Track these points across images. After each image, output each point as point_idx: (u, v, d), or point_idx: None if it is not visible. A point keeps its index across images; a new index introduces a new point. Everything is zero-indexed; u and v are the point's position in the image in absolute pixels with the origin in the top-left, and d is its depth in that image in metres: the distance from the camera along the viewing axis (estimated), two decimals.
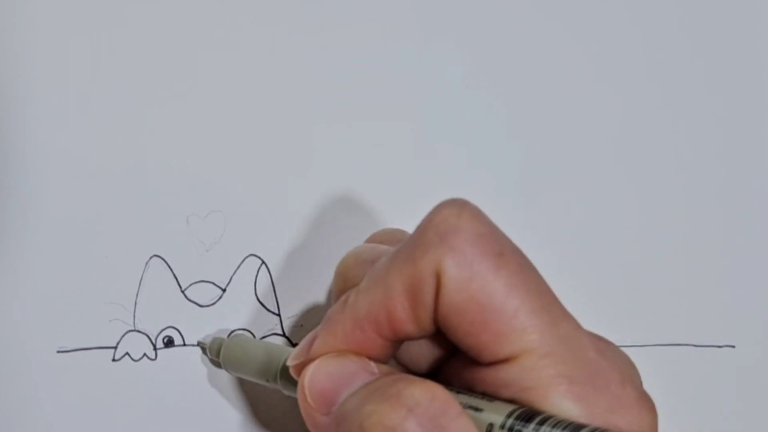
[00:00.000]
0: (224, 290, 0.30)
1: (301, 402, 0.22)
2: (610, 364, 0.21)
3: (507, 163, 0.32)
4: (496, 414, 0.20)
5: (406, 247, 0.21)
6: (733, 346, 0.33)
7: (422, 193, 0.31)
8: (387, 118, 0.32)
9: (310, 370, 0.22)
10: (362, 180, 0.31)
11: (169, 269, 0.30)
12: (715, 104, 0.34)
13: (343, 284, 0.24)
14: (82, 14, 0.30)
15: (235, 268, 0.30)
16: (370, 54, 0.32)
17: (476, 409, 0.20)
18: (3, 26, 0.30)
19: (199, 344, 0.30)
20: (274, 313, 0.30)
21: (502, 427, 0.19)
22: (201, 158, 0.30)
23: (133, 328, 0.29)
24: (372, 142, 0.31)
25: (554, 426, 0.19)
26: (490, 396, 0.21)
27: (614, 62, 0.33)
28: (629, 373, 0.21)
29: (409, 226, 0.31)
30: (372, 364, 0.22)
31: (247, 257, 0.30)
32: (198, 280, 0.30)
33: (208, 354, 0.29)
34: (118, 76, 0.30)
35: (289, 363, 0.24)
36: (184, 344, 0.30)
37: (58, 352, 0.29)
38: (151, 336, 0.29)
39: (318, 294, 0.30)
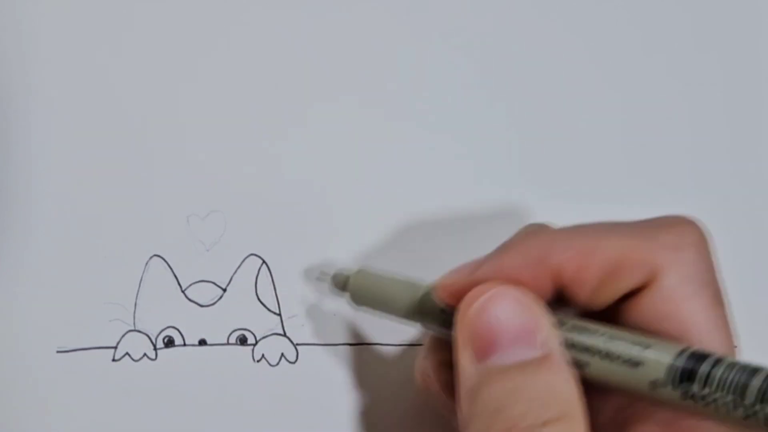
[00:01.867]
0: (224, 290, 0.30)
1: (456, 330, 0.21)
2: None
3: (507, 161, 0.32)
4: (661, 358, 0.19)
5: (639, 230, 0.21)
6: (734, 347, 0.33)
7: (424, 193, 0.31)
8: (388, 119, 0.31)
9: (479, 303, 0.21)
10: (362, 180, 0.31)
11: (169, 269, 0.30)
12: (722, 103, 0.33)
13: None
14: (83, 14, 0.30)
15: (236, 268, 0.30)
16: (370, 54, 0.32)
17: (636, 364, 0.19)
18: (3, 26, 0.30)
19: (320, 276, 0.28)
20: (274, 312, 0.30)
21: (672, 370, 0.19)
22: (201, 158, 0.30)
23: (133, 328, 0.29)
24: (372, 142, 0.31)
25: (729, 366, 0.18)
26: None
27: (616, 60, 0.33)
28: None
29: (412, 225, 0.31)
30: (543, 330, 0.20)
31: (247, 257, 0.30)
32: (198, 280, 0.30)
33: (334, 289, 0.27)
34: (119, 76, 0.30)
35: (444, 281, 0.22)
36: (184, 344, 0.30)
37: (58, 352, 0.29)
38: (151, 336, 0.29)
39: (318, 294, 0.30)
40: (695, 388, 0.18)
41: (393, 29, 0.32)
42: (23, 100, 0.30)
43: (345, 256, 0.31)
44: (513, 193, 0.32)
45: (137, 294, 0.29)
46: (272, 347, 0.30)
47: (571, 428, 0.19)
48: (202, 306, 0.30)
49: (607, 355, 0.20)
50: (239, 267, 0.30)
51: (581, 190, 0.33)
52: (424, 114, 0.32)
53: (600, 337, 0.20)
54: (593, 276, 0.21)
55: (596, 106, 0.33)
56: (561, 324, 0.21)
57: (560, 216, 0.32)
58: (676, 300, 0.20)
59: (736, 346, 0.21)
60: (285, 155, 0.31)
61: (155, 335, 0.29)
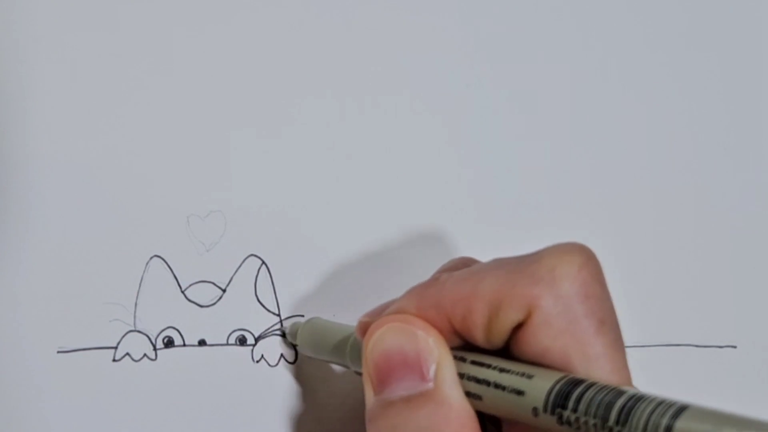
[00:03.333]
0: (224, 290, 0.30)
1: (363, 364, 0.22)
2: None
3: (507, 159, 0.32)
4: (540, 387, 0.20)
5: (514, 267, 0.21)
6: (735, 347, 0.33)
7: (424, 195, 0.31)
8: (388, 119, 0.31)
9: (375, 336, 0.22)
10: (362, 180, 0.31)
11: (169, 269, 0.30)
12: (724, 104, 0.33)
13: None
14: (83, 14, 0.30)
15: (235, 268, 0.30)
16: (372, 57, 0.32)
17: (519, 393, 0.20)
18: (3, 26, 0.30)
19: (282, 333, 0.30)
20: (274, 313, 0.30)
21: (548, 396, 0.19)
22: (201, 158, 0.30)
23: (133, 329, 0.29)
24: (372, 142, 0.31)
25: (599, 391, 0.19)
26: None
27: (618, 61, 0.33)
28: None
29: (411, 226, 0.31)
30: (433, 361, 0.21)
31: (247, 257, 0.30)
32: (198, 280, 0.30)
33: (290, 339, 0.29)
34: (119, 76, 0.30)
35: (360, 319, 0.24)
36: (184, 344, 0.30)
37: (58, 352, 0.29)
38: (151, 336, 0.29)
39: (318, 294, 0.30)
40: (567, 413, 0.19)
41: (393, 30, 0.32)
42: (23, 100, 0.30)
43: (345, 256, 0.31)
44: (513, 188, 0.32)
45: (137, 294, 0.29)
46: (272, 348, 0.30)
47: None
48: (201, 306, 0.30)
49: (498, 386, 0.21)
50: (239, 267, 0.30)
51: (584, 191, 0.32)
52: (424, 116, 0.32)
53: (493, 371, 0.21)
54: (479, 319, 0.21)
55: (601, 106, 0.33)
56: (462, 360, 0.22)
57: (561, 216, 0.32)
58: (551, 333, 0.20)
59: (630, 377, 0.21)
60: (285, 155, 0.31)
61: (155, 335, 0.29)
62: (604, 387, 0.19)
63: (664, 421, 0.17)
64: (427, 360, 0.21)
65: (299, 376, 0.30)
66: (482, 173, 0.32)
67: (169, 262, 0.30)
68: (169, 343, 0.30)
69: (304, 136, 0.31)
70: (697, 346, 0.33)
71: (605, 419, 0.18)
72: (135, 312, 0.29)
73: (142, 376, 0.29)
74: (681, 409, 0.17)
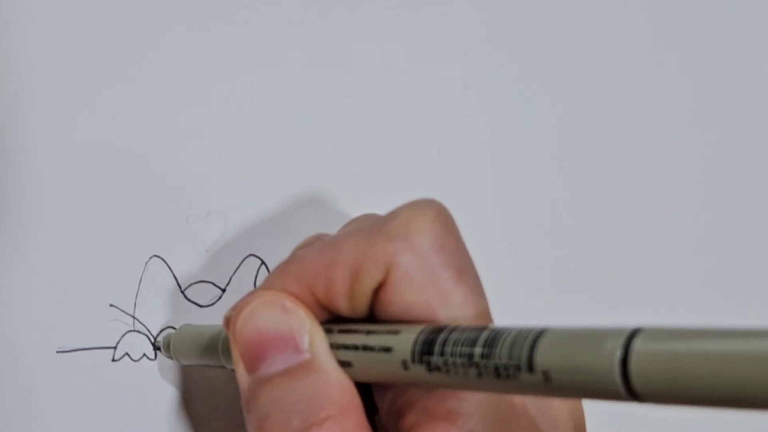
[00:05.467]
0: (224, 290, 0.30)
1: (231, 347, 0.22)
2: None
3: (507, 156, 0.32)
4: (406, 341, 0.20)
5: (370, 229, 0.21)
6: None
7: (425, 193, 0.31)
8: (388, 119, 0.31)
9: (243, 316, 0.22)
10: (362, 180, 0.31)
11: (168, 269, 0.30)
12: (722, 102, 0.33)
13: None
14: (83, 13, 0.30)
15: (235, 268, 0.30)
16: (370, 55, 0.32)
17: (387, 350, 0.20)
18: (3, 26, 0.30)
19: (155, 346, 0.29)
20: None
21: (414, 346, 0.19)
22: (201, 158, 0.30)
23: (132, 329, 0.29)
24: (372, 142, 0.31)
25: (462, 332, 0.19)
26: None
27: (608, 65, 0.33)
28: None
29: None
30: (305, 333, 0.21)
31: (247, 257, 0.30)
32: (198, 280, 0.30)
33: (164, 353, 0.29)
34: (119, 76, 0.30)
35: (227, 313, 0.23)
36: None
37: (58, 352, 0.29)
38: (150, 336, 0.29)
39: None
40: (435, 358, 0.19)
41: (393, 29, 0.32)
42: (23, 99, 0.30)
43: None
44: (514, 186, 0.32)
45: (137, 294, 0.29)
46: None
47: (342, 427, 0.20)
48: (201, 306, 0.30)
49: (365, 348, 0.20)
50: (238, 267, 0.30)
51: (584, 191, 0.32)
52: (423, 114, 0.32)
53: (360, 335, 0.21)
54: (341, 286, 0.21)
55: (600, 107, 0.33)
56: (329, 332, 0.22)
57: (563, 216, 0.32)
58: (412, 288, 0.20)
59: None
60: (285, 155, 0.31)
61: (155, 335, 0.29)
62: (466, 328, 0.19)
63: (527, 342, 0.17)
64: (300, 331, 0.21)
65: None
66: (483, 175, 0.32)
67: (168, 262, 0.30)
68: None
69: (305, 136, 0.31)
70: None
71: (470, 356, 0.18)
72: (135, 312, 0.29)
73: (141, 376, 0.29)
74: (541, 332, 0.17)
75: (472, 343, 0.18)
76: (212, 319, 0.30)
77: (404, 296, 0.20)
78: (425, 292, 0.20)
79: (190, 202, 0.30)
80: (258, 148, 0.31)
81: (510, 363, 0.17)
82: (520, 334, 0.17)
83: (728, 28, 0.34)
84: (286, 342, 0.21)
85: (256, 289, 0.23)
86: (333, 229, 0.31)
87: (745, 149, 0.33)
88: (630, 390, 0.15)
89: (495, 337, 0.18)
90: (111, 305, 0.29)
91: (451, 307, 0.20)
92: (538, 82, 0.33)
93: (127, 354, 0.29)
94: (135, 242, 0.30)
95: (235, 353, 0.22)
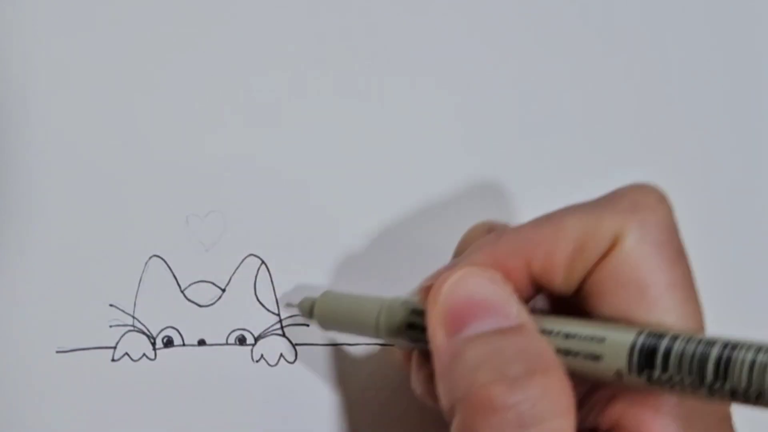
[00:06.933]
0: (224, 290, 0.30)
1: (429, 312, 0.21)
2: None
3: (510, 155, 0.32)
4: (620, 341, 0.19)
5: (591, 204, 0.22)
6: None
7: (425, 196, 0.31)
8: (388, 119, 0.31)
9: (449, 282, 0.21)
10: (362, 180, 0.31)
11: (168, 269, 0.30)
12: (726, 103, 0.33)
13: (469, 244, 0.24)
14: (83, 14, 0.30)
15: (235, 268, 0.30)
16: (369, 53, 0.31)
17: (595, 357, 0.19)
18: (3, 26, 0.30)
19: (287, 305, 0.29)
20: (273, 313, 0.30)
21: (631, 357, 0.18)
22: (201, 158, 0.30)
23: (132, 328, 0.29)
24: (372, 141, 0.31)
25: (687, 343, 0.18)
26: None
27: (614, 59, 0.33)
28: None
29: (413, 227, 0.31)
30: (514, 305, 0.21)
31: (246, 257, 0.30)
32: (198, 280, 0.30)
33: (303, 314, 0.28)
34: (119, 76, 0.30)
35: (423, 284, 0.23)
36: (184, 344, 0.30)
37: (58, 352, 0.29)
38: (150, 336, 0.29)
39: (318, 294, 0.30)
40: (657, 373, 0.18)
41: (391, 28, 0.32)
42: (23, 99, 0.30)
43: (344, 256, 0.31)
44: (515, 186, 0.32)
45: (136, 294, 0.29)
46: (271, 347, 0.30)
47: (558, 381, 0.19)
48: (201, 306, 0.30)
49: (567, 353, 0.20)
50: (238, 267, 0.30)
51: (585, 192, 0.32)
52: (424, 111, 0.32)
53: (558, 337, 0.20)
54: (562, 257, 0.21)
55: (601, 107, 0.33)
56: None
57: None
58: (635, 260, 0.21)
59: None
60: (285, 155, 0.31)
61: (154, 335, 0.29)
62: (690, 339, 0.18)
63: None
64: (509, 301, 0.21)
65: (298, 376, 0.30)
66: (479, 170, 0.32)
67: (168, 262, 0.30)
68: (168, 342, 0.30)
69: (305, 136, 0.31)
70: None
71: (702, 376, 0.17)
72: (134, 312, 0.29)
73: (141, 376, 0.29)
74: None
75: (702, 362, 0.17)
76: (212, 319, 0.30)
77: (621, 269, 0.21)
78: (643, 267, 0.21)
79: (190, 202, 0.30)
80: (258, 148, 0.31)
81: (751, 390, 0.16)
82: (761, 354, 0.16)
83: (728, 28, 0.33)
84: (495, 308, 0.21)
85: (456, 262, 0.23)
86: (333, 229, 0.31)
87: (745, 149, 0.33)
88: None
89: (729, 360, 0.16)
90: (111, 305, 0.29)
91: (665, 286, 0.20)
92: (544, 85, 0.33)
93: (126, 354, 0.29)
94: (135, 242, 0.30)
95: (435, 319, 0.21)
